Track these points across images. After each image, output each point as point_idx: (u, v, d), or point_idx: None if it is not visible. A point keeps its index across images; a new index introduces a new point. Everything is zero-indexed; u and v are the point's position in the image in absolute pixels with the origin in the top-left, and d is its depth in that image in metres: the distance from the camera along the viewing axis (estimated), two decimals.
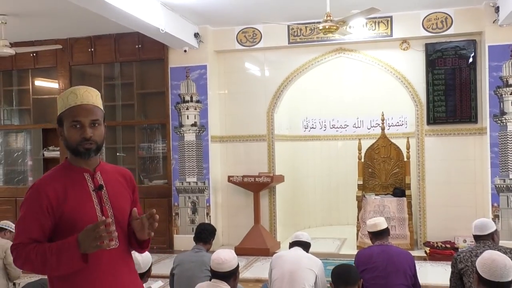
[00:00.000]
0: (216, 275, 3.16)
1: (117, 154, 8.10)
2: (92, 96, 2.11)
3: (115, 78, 8.13)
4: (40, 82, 8.45)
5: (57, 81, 8.14)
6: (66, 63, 8.04)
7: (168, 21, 6.55)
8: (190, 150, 7.57)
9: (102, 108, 2.16)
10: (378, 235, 3.98)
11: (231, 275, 3.16)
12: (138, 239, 2.14)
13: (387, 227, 4.07)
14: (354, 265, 3.76)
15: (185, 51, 7.44)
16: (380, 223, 4.02)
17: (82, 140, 2.05)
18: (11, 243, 4.93)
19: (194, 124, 7.56)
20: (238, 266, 3.23)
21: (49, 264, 1.91)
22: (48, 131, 8.36)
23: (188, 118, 7.58)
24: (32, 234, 1.98)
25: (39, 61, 8.16)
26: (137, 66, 7.93)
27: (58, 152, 8.15)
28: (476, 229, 3.82)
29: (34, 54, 8.06)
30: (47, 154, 8.33)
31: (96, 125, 2.09)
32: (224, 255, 3.17)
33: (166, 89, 7.65)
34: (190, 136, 7.57)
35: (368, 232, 4.09)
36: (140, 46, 7.69)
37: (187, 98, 7.59)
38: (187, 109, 7.58)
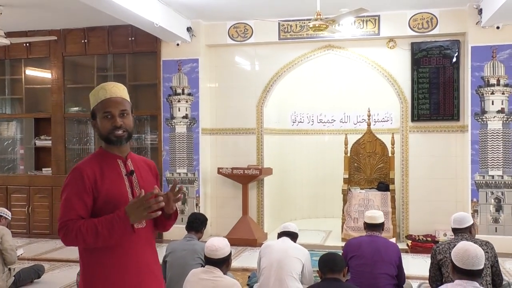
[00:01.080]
0: (209, 261, 3.34)
1: None
2: (119, 90, 2.38)
3: (107, 69, 8.23)
4: (33, 72, 8.52)
5: (50, 71, 8.23)
6: (59, 53, 8.13)
7: (161, 15, 6.68)
8: (181, 141, 7.73)
9: (129, 100, 2.40)
10: (372, 227, 4.21)
11: (224, 262, 3.34)
12: (165, 214, 2.34)
13: (383, 222, 4.30)
14: (342, 252, 3.99)
15: (177, 44, 7.58)
16: (377, 217, 4.25)
17: (113, 128, 2.30)
18: (7, 229, 5.08)
19: (185, 117, 7.72)
20: (230, 253, 3.41)
21: (101, 235, 2.14)
22: (40, 120, 8.46)
23: (179, 110, 7.73)
24: (79, 211, 2.20)
25: (32, 51, 8.24)
26: (130, 58, 8.04)
27: (50, 142, 8.25)
28: (455, 223, 4.03)
29: (27, 44, 8.14)
30: (39, 143, 8.43)
31: (125, 114, 2.34)
32: (217, 243, 3.35)
33: (158, 81, 7.78)
34: (181, 128, 7.72)
35: (364, 222, 4.31)
36: (133, 38, 7.81)
37: (179, 90, 7.73)
38: (179, 101, 7.73)
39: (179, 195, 2.32)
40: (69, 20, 7.65)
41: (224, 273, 3.35)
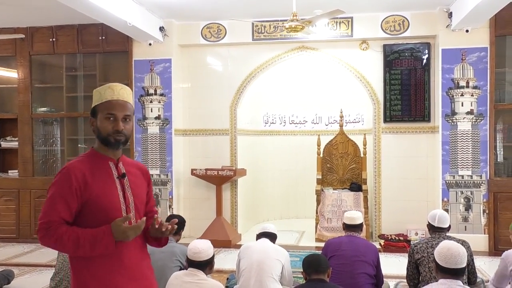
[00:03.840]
0: (192, 264, 3.29)
1: (79, 145, 8.03)
2: (126, 94, 2.33)
3: (77, 69, 8.03)
4: None
5: (16, 70, 7.97)
6: (26, 52, 7.88)
7: (134, 14, 6.57)
8: (154, 142, 7.62)
9: (133, 104, 2.37)
10: (351, 227, 4.27)
11: (207, 264, 3.31)
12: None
13: (362, 223, 4.37)
14: (320, 252, 4.00)
15: (150, 44, 7.47)
16: (356, 218, 4.30)
17: (114, 132, 2.25)
18: None
19: (158, 117, 7.61)
20: (213, 255, 3.38)
21: (82, 248, 2.12)
22: (5, 121, 8.19)
23: (152, 111, 7.62)
24: (61, 214, 2.14)
25: None
26: (100, 58, 7.85)
27: (16, 143, 7.99)
28: (440, 222, 4.06)
29: None
30: (5, 144, 8.15)
31: (128, 120, 2.31)
32: (201, 245, 3.31)
33: (130, 81, 7.62)
34: (153, 129, 7.62)
35: (344, 222, 4.35)
36: (103, 37, 7.64)
37: (151, 91, 7.62)
38: (151, 102, 7.62)
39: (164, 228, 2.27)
40: (36, 18, 7.42)
41: (207, 276, 3.31)
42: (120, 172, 2.30)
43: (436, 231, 4.05)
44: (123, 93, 2.32)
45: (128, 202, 2.27)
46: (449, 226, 4.11)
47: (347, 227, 4.28)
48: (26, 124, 7.92)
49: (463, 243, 3.90)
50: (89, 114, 7.60)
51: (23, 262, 6.46)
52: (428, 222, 4.16)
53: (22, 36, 7.31)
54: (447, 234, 4.10)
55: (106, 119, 2.27)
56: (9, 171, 8.09)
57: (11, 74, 8.13)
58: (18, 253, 7.01)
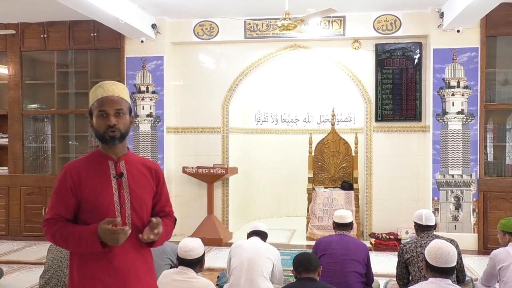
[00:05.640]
0: (183, 262, 3.29)
1: (69, 142, 7.99)
2: (118, 89, 2.33)
3: (68, 65, 7.98)
4: None
5: (6, 66, 7.91)
6: (17, 48, 7.82)
7: (126, 10, 6.54)
8: (145, 140, 7.60)
9: (128, 100, 2.35)
10: (341, 226, 4.29)
11: (197, 262, 3.30)
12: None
13: (352, 221, 4.38)
14: (311, 251, 4.01)
15: (142, 41, 7.44)
16: (346, 216, 4.32)
17: (107, 127, 2.24)
18: None
19: (150, 115, 7.59)
20: (204, 254, 3.37)
21: (71, 245, 2.20)
22: None
23: (143, 108, 7.60)
24: (59, 211, 2.23)
25: None
26: (92, 55, 7.81)
27: (7, 139, 7.93)
28: (427, 220, 4.09)
29: None
30: None
31: (121, 114, 2.28)
32: (191, 243, 3.30)
33: (122, 79, 7.59)
34: (145, 127, 7.59)
35: (334, 221, 4.36)
36: (95, 34, 7.60)
37: (143, 88, 7.60)
38: (143, 99, 7.60)
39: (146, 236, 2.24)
40: (27, 14, 7.37)
41: (197, 274, 3.31)
42: (119, 171, 2.29)
43: (424, 230, 4.08)
44: (114, 89, 2.31)
45: (123, 202, 2.25)
46: (435, 224, 4.15)
47: (337, 225, 4.30)
48: (17, 120, 7.86)
49: (452, 242, 3.93)
50: (80, 111, 7.60)
51: (12, 259, 6.43)
52: (415, 222, 4.19)
53: (13, 32, 7.26)
54: (434, 233, 4.13)
55: (99, 117, 2.27)
56: None
57: (1, 70, 8.06)
58: (8, 250, 6.96)
